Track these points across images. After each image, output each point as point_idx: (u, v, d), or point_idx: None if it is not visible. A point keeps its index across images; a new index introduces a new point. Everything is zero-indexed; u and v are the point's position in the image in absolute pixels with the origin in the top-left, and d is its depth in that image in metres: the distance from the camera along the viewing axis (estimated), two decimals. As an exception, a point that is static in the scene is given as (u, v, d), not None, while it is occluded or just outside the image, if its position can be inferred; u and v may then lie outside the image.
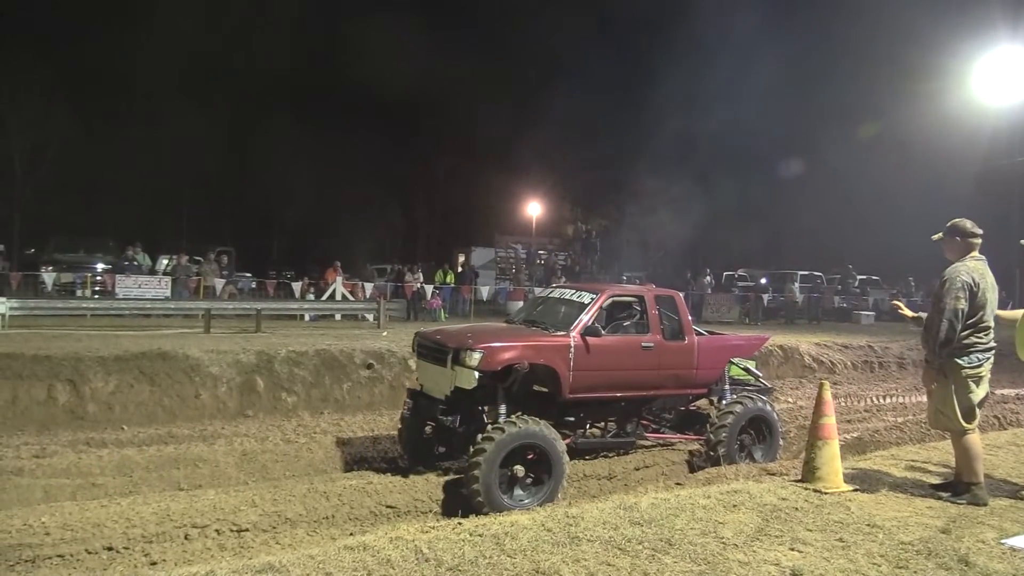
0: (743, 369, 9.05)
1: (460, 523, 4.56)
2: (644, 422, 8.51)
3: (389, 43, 37.60)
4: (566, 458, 6.99)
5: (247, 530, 6.27)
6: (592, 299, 7.85)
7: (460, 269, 26.29)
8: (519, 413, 7.15)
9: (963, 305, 4.94)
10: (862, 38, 34.00)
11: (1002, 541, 4.31)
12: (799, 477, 5.71)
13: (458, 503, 7.18)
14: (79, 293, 18.39)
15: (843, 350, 16.74)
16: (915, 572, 3.82)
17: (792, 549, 4.10)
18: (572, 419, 7.89)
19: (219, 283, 19.46)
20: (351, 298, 20.73)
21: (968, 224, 5.23)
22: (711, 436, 8.04)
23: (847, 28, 34.88)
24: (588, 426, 8.18)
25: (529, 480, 6.87)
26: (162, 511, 6.36)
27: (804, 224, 33.45)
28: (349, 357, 11.53)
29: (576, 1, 49.87)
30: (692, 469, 8.23)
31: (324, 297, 20.52)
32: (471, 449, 6.70)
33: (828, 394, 5.67)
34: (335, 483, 7.44)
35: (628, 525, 4.39)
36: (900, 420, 10.76)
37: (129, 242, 20.47)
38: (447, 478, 7.66)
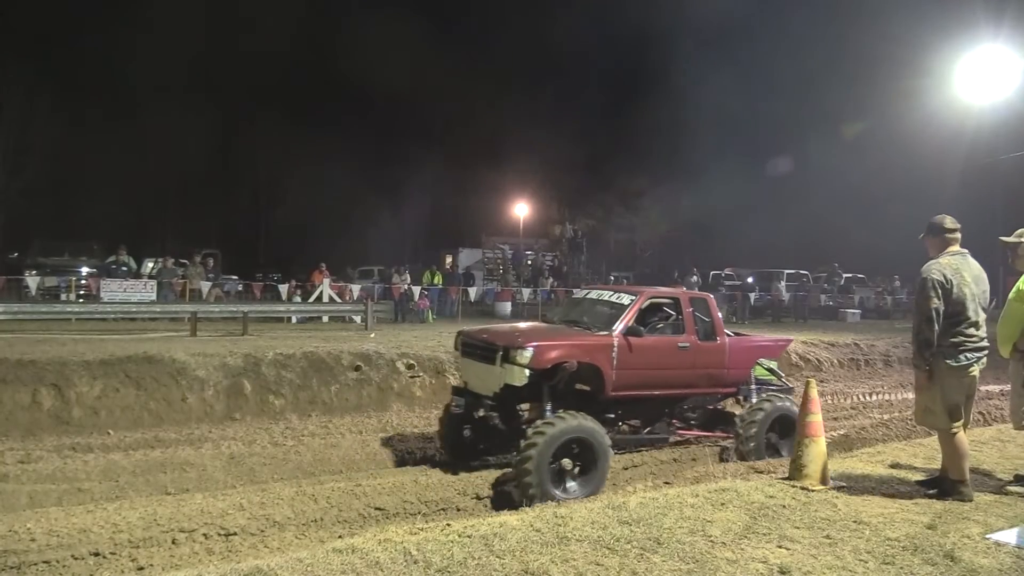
0: (767, 369, 9.25)
1: (449, 524, 4.55)
2: (674, 420, 8.70)
3: (377, 45, 37.63)
4: (611, 452, 7.18)
5: (235, 534, 6.24)
6: (632, 300, 8.17)
7: (448, 270, 26.24)
8: (561, 410, 7.29)
9: (936, 304, 4.93)
10: (845, 37, 34.27)
11: (987, 536, 4.35)
12: (786, 475, 5.74)
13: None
14: (63, 297, 18.17)
15: (829, 348, 16.80)
16: (901, 568, 3.84)
17: (780, 547, 4.12)
18: (611, 416, 8.08)
19: (205, 286, 19.32)
20: (338, 300, 20.63)
21: (947, 220, 5.24)
22: (741, 433, 8.25)
23: (830, 27, 35.12)
24: (622, 423, 8.39)
25: (576, 471, 7.02)
26: (149, 516, 6.31)
27: (790, 223, 33.65)
28: (336, 359, 11.47)
29: (564, 2, 50.04)
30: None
31: (311, 299, 20.42)
32: (522, 443, 6.84)
33: (815, 392, 5.70)
34: (323, 486, 7.41)
35: (617, 524, 4.40)
36: (886, 417, 10.80)
37: (114, 245, 20.30)
38: (432, 479, 7.67)
